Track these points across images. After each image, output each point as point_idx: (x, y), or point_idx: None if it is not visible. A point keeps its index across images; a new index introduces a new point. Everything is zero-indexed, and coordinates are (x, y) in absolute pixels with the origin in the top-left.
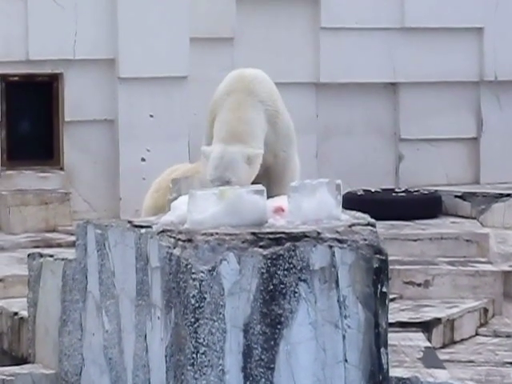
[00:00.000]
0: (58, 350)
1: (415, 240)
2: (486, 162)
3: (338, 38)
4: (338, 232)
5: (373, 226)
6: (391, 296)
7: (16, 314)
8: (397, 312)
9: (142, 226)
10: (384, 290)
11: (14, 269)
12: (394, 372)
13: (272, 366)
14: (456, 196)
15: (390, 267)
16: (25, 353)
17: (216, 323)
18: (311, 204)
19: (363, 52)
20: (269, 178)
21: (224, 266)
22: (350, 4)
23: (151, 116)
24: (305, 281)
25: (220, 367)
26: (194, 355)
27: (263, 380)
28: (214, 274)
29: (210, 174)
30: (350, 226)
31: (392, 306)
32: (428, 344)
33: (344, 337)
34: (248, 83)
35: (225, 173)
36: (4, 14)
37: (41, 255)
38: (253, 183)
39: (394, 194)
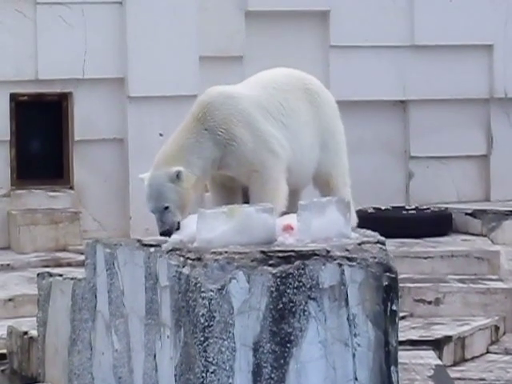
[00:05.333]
0: (68, 370)
1: (426, 258)
2: (497, 179)
3: (347, 56)
4: (347, 250)
5: (382, 243)
6: (402, 314)
7: (26, 333)
8: (407, 330)
9: (151, 245)
10: (394, 308)
11: (23, 288)
12: None
13: None
14: (466, 213)
15: (401, 285)
16: (34, 372)
17: (225, 342)
18: (320, 222)
19: (373, 70)
20: (249, 198)
21: (233, 285)
22: (360, 22)
23: (161, 135)
24: (314, 299)
25: None
26: (204, 374)
27: None
28: (224, 292)
29: (147, 206)
30: (359, 244)
31: (402, 323)
32: (439, 362)
33: (354, 355)
34: (200, 109)
35: (157, 201)
36: (13, 33)
37: (50, 275)
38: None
39: (404, 212)
